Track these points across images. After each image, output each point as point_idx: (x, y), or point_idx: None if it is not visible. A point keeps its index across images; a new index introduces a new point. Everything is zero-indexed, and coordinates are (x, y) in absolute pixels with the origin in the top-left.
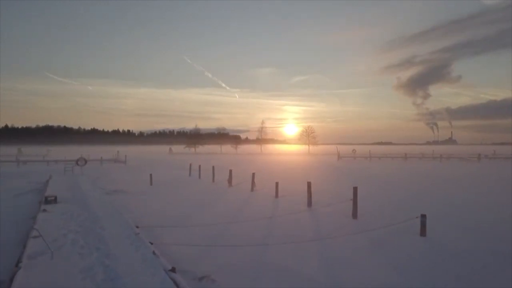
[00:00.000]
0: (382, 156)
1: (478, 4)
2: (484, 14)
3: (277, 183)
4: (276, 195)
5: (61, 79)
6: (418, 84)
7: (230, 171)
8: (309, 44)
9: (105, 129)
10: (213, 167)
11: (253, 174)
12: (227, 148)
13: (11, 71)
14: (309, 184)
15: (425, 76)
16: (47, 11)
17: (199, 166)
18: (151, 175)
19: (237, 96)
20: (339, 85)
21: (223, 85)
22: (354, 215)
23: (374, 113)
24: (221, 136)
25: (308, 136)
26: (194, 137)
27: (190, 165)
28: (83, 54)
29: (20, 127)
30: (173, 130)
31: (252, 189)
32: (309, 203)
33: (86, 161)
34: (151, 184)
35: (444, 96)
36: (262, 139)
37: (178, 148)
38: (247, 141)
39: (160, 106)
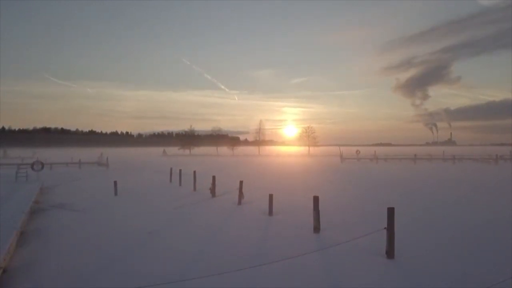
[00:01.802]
0: (388, 158)
1: (477, 5)
2: (483, 15)
3: (271, 196)
4: (270, 212)
5: (61, 81)
6: (417, 85)
7: (213, 177)
8: (308, 45)
9: (103, 131)
10: (194, 172)
11: (241, 182)
12: (223, 150)
13: (10, 73)
14: (316, 201)
15: (424, 77)
16: (46, 13)
17: (180, 171)
18: (115, 182)
19: (236, 98)
20: (338, 86)
21: (222, 86)
22: (390, 253)
23: (373, 114)
24: (218, 138)
25: (309, 137)
26: (189, 138)
27: (171, 169)
28: (82, 56)
29: (17, 129)
30: (172, 132)
31: (239, 202)
32: (316, 228)
33: (43, 165)
34: (115, 194)
35: (443, 97)
36: (260, 140)
37: (173, 150)
38: (246, 142)
39: (160, 108)
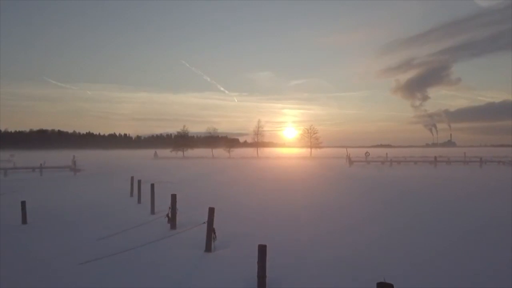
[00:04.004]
0: (402, 161)
1: (476, 6)
2: (482, 16)
3: (263, 250)
4: (261, 280)
5: (60, 84)
6: (416, 87)
7: (173, 198)
8: (308, 47)
9: (101, 133)
10: (152, 185)
11: (212, 212)
12: (219, 151)
13: (9, 76)
14: None
15: (424, 78)
16: (46, 16)
17: (139, 183)
18: (24, 204)
19: (236, 100)
20: (338, 88)
21: (222, 88)
22: None
23: (373, 115)
24: (215, 139)
25: (310, 138)
26: (182, 139)
27: (132, 178)
28: (82, 59)
29: (13, 131)
30: (171, 134)
31: (208, 247)
32: None
33: None
34: (23, 221)
35: (442, 98)
36: (259, 142)
37: (167, 152)
38: (245, 144)
39: (159, 110)
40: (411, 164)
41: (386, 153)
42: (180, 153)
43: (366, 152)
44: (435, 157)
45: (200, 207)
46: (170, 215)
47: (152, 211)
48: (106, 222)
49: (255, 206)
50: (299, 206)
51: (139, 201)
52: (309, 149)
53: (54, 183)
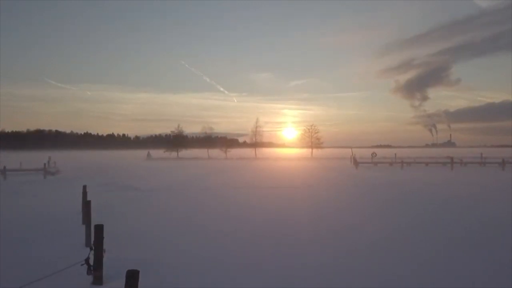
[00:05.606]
0: (412, 162)
1: (476, 6)
2: (482, 16)
3: None
4: None
5: (60, 85)
6: (416, 87)
7: (98, 231)
8: (307, 47)
9: (99, 133)
10: (87, 203)
11: (132, 279)
12: (216, 152)
13: (10, 77)
14: None
15: (424, 78)
16: (46, 16)
17: (85, 194)
18: None
19: (236, 100)
20: (337, 89)
21: (221, 89)
22: None
23: (372, 116)
24: (212, 139)
25: (311, 138)
26: (177, 139)
27: (84, 188)
28: (82, 59)
29: (10, 131)
30: (169, 135)
31: None
32: None
33: None
34: None
35: (442, 98)
36: (258, 142)
37: (161, 153)
38: (245, 144)
39: (159, 111)
40: (422, 166)
41: (395, 154)
42: (174, 154)
43: (373, 153)
44: (452, 158)
45: (157, 234)
46: (91, 261)
47: (88, 242)
48: None
49: (237, 243)
50: (308, 253)
51: (84, 220)
52: (309, 150)
53: (5, 189)
